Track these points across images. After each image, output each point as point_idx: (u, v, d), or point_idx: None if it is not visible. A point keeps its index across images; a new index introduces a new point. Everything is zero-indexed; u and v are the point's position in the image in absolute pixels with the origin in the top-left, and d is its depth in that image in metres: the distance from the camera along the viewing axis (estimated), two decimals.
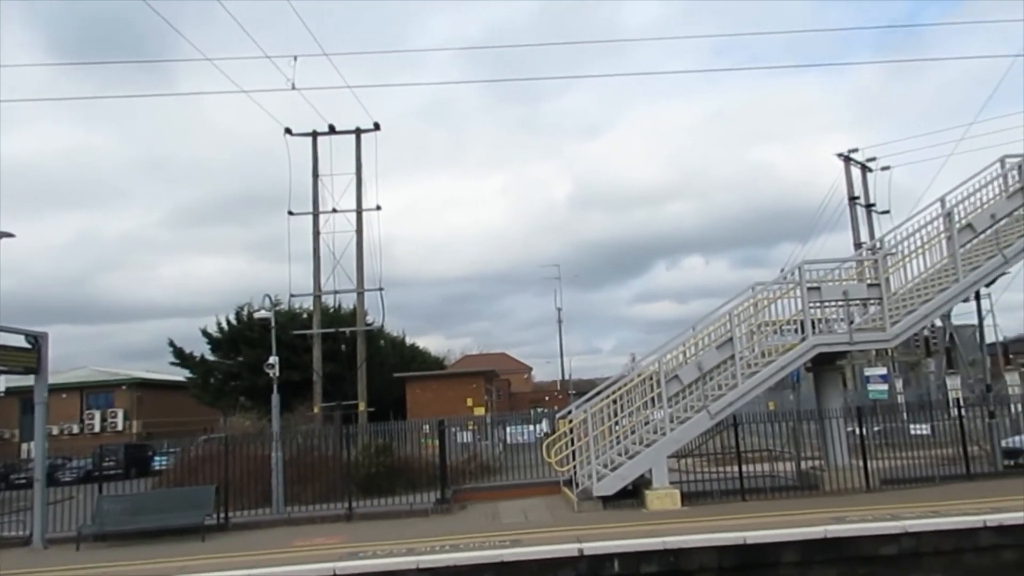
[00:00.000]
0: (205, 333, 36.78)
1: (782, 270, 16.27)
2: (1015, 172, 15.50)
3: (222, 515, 15.49)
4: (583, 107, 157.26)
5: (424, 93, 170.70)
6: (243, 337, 34.65)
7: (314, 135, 25.56)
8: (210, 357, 37.07)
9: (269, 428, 19.07)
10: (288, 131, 25.23)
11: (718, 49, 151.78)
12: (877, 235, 28.18)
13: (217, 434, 22.53)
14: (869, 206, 31.10)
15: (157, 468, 27.12)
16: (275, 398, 17.96)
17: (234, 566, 10.71)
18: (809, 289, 14.83)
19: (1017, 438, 18.18)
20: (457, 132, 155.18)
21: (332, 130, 25.50)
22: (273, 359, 18.03)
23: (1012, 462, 17.24)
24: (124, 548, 13.86)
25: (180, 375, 41.09)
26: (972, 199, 15.62)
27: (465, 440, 21.82)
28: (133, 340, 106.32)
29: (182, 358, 37.65)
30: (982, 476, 15.47)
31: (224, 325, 36.52)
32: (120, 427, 45.36)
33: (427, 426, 19.80)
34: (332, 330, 27.17)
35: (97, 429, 44.84)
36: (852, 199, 30.94)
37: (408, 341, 51.09)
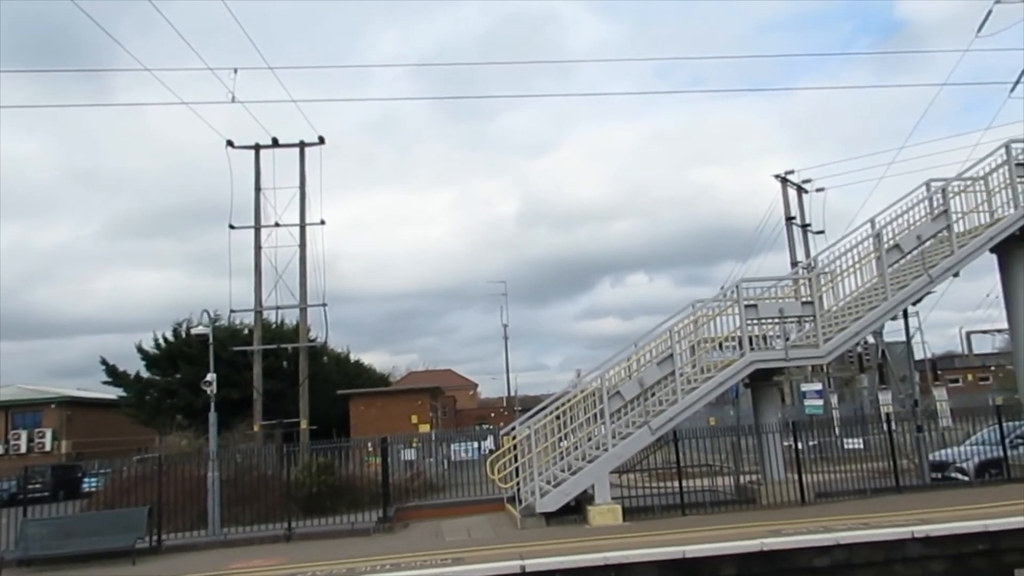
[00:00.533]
0: (140, 350, 35.75)
1: (722, 288, 16.63)
2: (939, 196, 16.17)
3: (155, 538, 15.03)
4: (530, 126, 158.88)
5: (372, 110, 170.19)
6: (181, 354, 33.78)
7: (257, 148, 25.16)
8: (145, 374, 36.00)
9: (206, 447, 18.61)
10: (230, 143, 24.78)
11: (661, 72, 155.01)
12: (812, 254, 29.04)
13: (152, 454, 21.87)
14: (805, 226, 32.05)
15: (87, 490, 26.14)
16: (212, 416, 17.55)
17: None
18: (746, 307, 15.20)
19: (944, 452, 18.87)
20: (405, 149, 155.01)
21: (275, 143, 25.14)
22: (211, 376, 17.62)
23: (939, 475, 17.86)
24: (51, 573, 13.34)
25: (114, 393, 39.81)
26: (900, 221, 16.22)
27: (409, 458, 21.65)
28: (64, 357, 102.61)
29: (115, 376, 36.48)
30: (911, 489, 15.98)
31: (161, 341, 35.56)
32: (48, 447, 43.63)
33: (371, 444, 19.58)
34: (274, 346, 26.66)
35: (23, 450, 43.07)
36: (789, 219, 31.83)
37: (353, 357, 50.58)
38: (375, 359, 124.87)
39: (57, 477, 29.54)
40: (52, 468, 31.20)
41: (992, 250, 16.41)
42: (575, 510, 14.57)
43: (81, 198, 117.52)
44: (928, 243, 16.30)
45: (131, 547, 14.06)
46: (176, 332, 35.13)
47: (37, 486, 25.29)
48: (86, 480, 28.47)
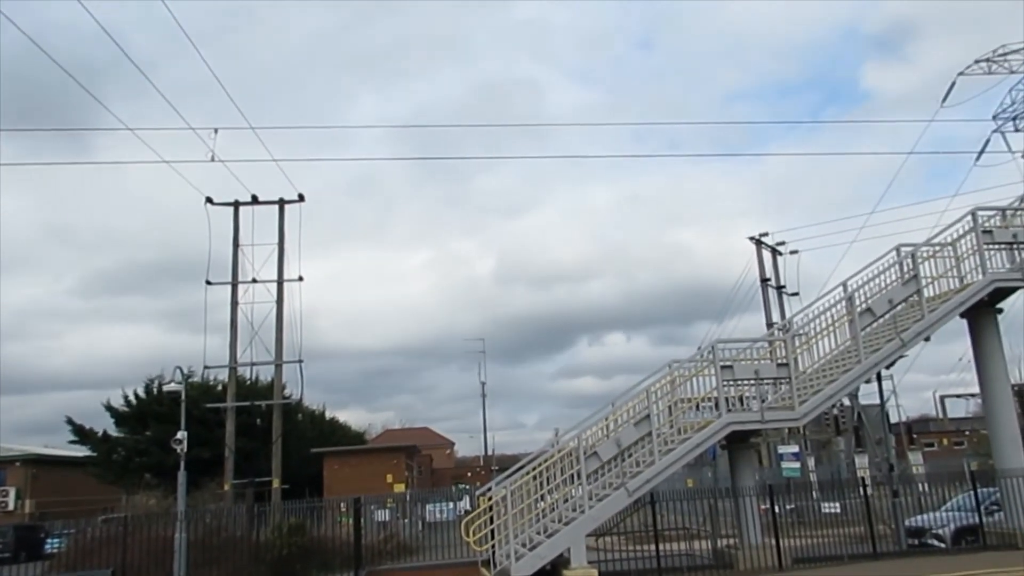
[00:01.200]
0: (109, 407, 35.01)
1: (699, 348, 16.76)
2: (909, 260, 16.54)
3: None
4: (507, 188, 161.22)
5: (351, 170, 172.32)
6: (151, 411, 33.14)
7: (236, 204, 25.29)
8: (113, 432, 35.21)
9: (174, 507, 18.18)
10: (209, 200, 24.90)
11: (636, 137, 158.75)
12: (787, 316, 29.41)
13: (118, 514, 21.30)
14: (780, 288, 32.53)
15: (50, 551, 25.29)
16: (182, 475, 17.21)
17: None
18: (723, 367, 15.29)
19: (920, 517, 18.86)
20: (383, 208, 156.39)
21: (255, 200, 25.29)
22: (181, 434, 17.35)
23: (916, 541, 17.81)
24: None
25: (82, 451, 38.85)
26: (871, 284, 16.52)
27: (383, 518, 21.26)
28: (32, 413, 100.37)
29: (81, 434, 35.64)
30: (888, 555, 15.90)
31: (132, 398, 34.90)
32: (11, 506, 42.26)
33: (344, 504, 19.23)
34: (247, 403, 26.31)
35: None
36: (764, 280, 32.31)
37: (328, 415, 49.96)
38: (351, 416, 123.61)
39: (19, 537, 28.62)
40: (14, 528, 30.26)
41: (962, 315, 16.74)
42: (550, 574, 14.32)
43: (56, 255, 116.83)
44: (899, 307, 16.58)
45: None
46: (148, 389, 34.54)
47: None
48: (49, 541, 27.56)
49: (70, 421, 35.50)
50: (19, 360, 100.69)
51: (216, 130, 20.88)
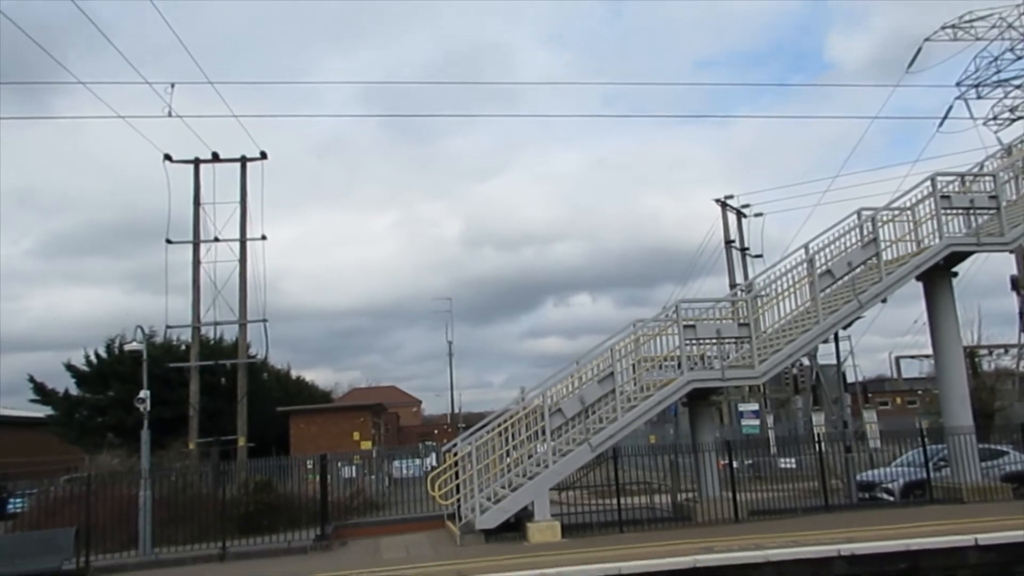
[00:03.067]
0: (69, 367, 34.47)
1: (663, 308, 16.99)
2: (869, 224, 16.85)
3: (83, 560, 14.54)
4: (476, 150, 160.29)
5: (318, 132, 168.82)
6: (113, 371, 32.69)
7: (196, 162, 24.77)
8: (75, 392, 34.74)
9: (139, 466, 18.10)
10: (168, 157, 24.35)
11: (605, 100, 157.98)
12: (750, 277, 29.85)
13: (81, 474, 21.14)
14: (743, 250, 32.95)
15: (12, 511, 25.08)
16: (145, 433, 17.09)
17: None
18: (685, 327, 15.55)
19: (871, 473, 19.52)
20: (350, 171, 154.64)
21: (216, 157, 24.79)
22: (144, 393, 17.17)
23: (867, 495, 18.47)
24: None
25: (42, 412, 38.30)
26: (832, 247, 16.84)
27: (350, 475, 21.40)
28: None
29: (43, 394, 35.09)
30: (839, 508, 16.44)
31: (93, 358, 34.39)
32: None
33: (310, 461, 19.31)
34: (211, 363, 26.10)
35: None
36: (728, 242, 32.71)
37: (294, 374, 49.71)
38: (317, 376, 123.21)
39: None
40: None
41: (918, 278, 17.15)
42: (515, 527, 14.63)
43: (15, 216, 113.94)
44: (858, 270, 16.95)
45: (57, 569, 13.63)
46: (109, 349, 34.02)
47: None
48: (11, 501, 27.32)
49: (31, 379, 34.93)
50: None
51: (173, 85, 20.38)
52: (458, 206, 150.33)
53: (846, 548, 11.13)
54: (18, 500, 25.45)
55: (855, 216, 17.07)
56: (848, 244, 16.93)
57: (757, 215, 33.68)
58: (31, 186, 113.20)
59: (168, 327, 25.89)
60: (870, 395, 37.14)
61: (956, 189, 17.30)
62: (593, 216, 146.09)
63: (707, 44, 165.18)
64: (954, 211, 17.18)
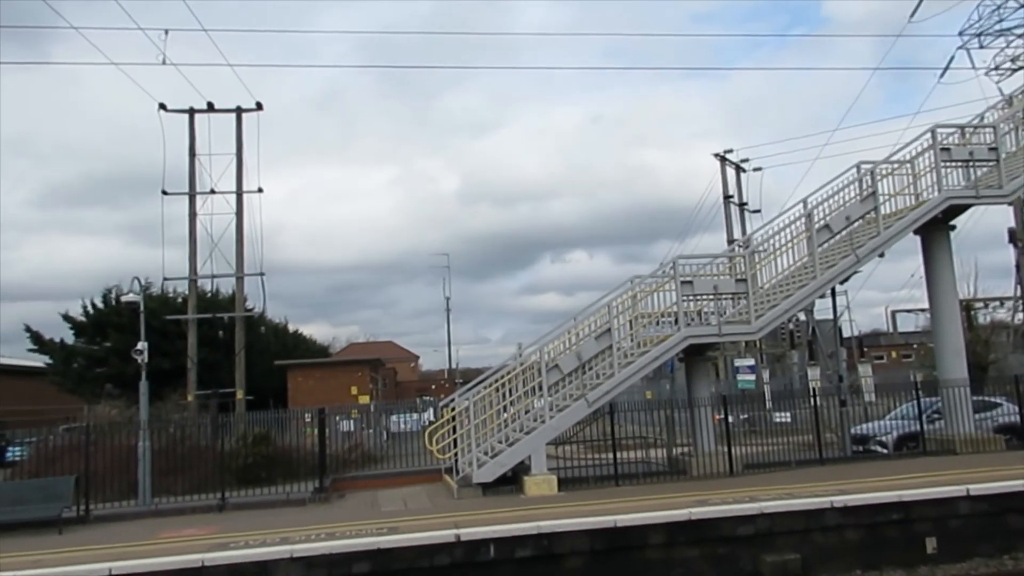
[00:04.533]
0: (67, 317, 34.53)
1: (660, 264, 16.92)
2: (868, 178, 16.69)
3: (82, 507, 14.70)
4: (473, 106, 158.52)
5: (314, 86, 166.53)
6: (110, 322, 32.76)
7: (191, 112, 24.45)
8: (72, 342, 34.83)
9: (137, 417, 18.18)
10: (163, 107, 24.02)
11: (605, 54, 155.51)
12: (748, 233, 29.72)
13: (79, 423, 21.25)
14: (742, 205, 32.74)
15: (11, 459, 25.29)
16: (143, 385, 17.11)
17: (93, 559, 10.20)
18: (683, 283, 15.50)
19: (865, 426, 19.70)
20: (348, 125, 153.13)
21: (211, 108, 24.47)
22: (142, 344, 17.14)
23: (860, 448, 18.66)
24: None
25: (40, 361, 38.44)
26: (831, 202, 16.71)
27: (348, 429, 21.54)
28: None
29: (40, 343, 35.21)
30: (833, 461, 16.62)
31: (89, 309, 34.42)
32: None
33: (308, 414, 19.41)
34: (209, 315, 26.12)
35: None
36: (727, 197, 32.49)
37: (292, 328, 49.87)
38: (315, 331, 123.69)
39: None
40: None
41: (916, 232, 17.08)
42: (511, 481, 14.78)
43: (13, 165, 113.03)
44: (856, 224, 16.84)
45: (57, 516, 13.75)
46: (106, 299, 34.04)
47: None
48: (10, 449, 27.54)
49: (28, 329, 35.00)
50: None
51: (167, 32, 20.06)
52: (455, 161, 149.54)
53: (839, 500, 11.24)
54: (17, 448, 25.62)
55: (854, 170, 16.92)
56: (847, 198, 16.80)
57: (756, 170, 33.43)
58: (28, 134, 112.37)
59: (165, 279, 25.91)
60: (865, 349, 37.31)
61: (956, 141, 17.11)
62: (590, 172, 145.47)
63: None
64: (953, 164, 17.04)
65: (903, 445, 18.26)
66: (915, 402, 17.62)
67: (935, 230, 17.20)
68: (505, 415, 15.20)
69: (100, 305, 34.22)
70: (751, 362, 27.75)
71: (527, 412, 15.31)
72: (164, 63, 19.96)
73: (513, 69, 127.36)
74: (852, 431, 18.63)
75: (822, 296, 17.10)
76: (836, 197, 16.73)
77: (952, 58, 33.19)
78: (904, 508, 11.25)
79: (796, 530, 11.00)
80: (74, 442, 16.85)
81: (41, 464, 17.66)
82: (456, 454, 15.01)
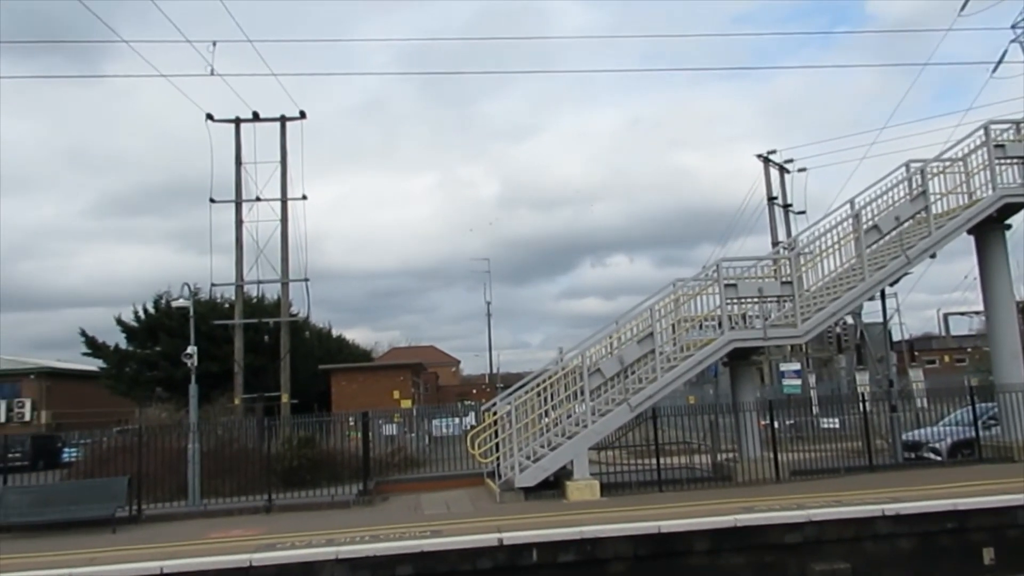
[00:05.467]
0: (120, 322, 35.42)
1: (703, 267, 16.73)
2: (918, 176, 16.29)
3: (135, 507, 15.06)
4: (513, 111, 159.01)
5: (357, 94, 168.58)
6: (161, 326, 33.52)
7: (237, 121, 24.90)
8: (125, 346, 35.73)
9: (186, 420, 18.57)
10: (210, 117, 24.52)
11: (644, 58, 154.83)
12: (793, 234, 29.20)
13: (131, 426, 21.79)
14: (786, 206, 32.20)
15: (67, 460, 26.03)
16: (193, 388, 17.49)
17: (145, 558, 10.44)
18: (726, 286, 15.30)
19: (917, 432, 19.18)
20: (390, 132, 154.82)
21: (256, 117, 24.89)
22: (191, 349, 17.52)
23: (912, 455, 18.17)
24: (30, 540, 13.31)
25: (94, 365, 39.52)
26: (879, 202, 16.36)
27: (390, 433, 21.70)
28: (46, 329, 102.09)
29: (94, 347, 36.16)
30: (884, 468, 16.23)
31: (141, 314, 35.27)
32: (28, 417, 43.33)
33: (352, 418, 19.60)
34: (255, 320, 26.55)
35: (3, 419, 42.74)
36: (771, 199, 31.99)
37: (335, 333, 50.35)
38: (357, 335, 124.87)
39: (37, 447, 29.36)
40: (32, 438, 31.01)
41: (969, 231, 16.62)
42: (553, 485, 14.72)
43: (70, 177, 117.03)
44: (906, 224, 16.46)
45: (111, 516, 14.09)
46: (156, 304, 34.84)
47: (17, 455, 25.12)
48: (66, 450, 28.35)
49: (83, 334, 35.97)
50: (34, 277, 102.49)
51: (215, 43, 20.49)
52: (495, 167, 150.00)
53: (890, 508, 10.97)
54: (72, 450, 26.36)
55: (903, 169, 16.56)
56: (896, 198, 16.45)
57: (801, 170, 32.83)
58: (85, 146, 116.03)
59: (213, 285, 26.38)
60: (916, 353, 36.37)
61: (1011, 137, 16.61)
62: (630, 175, 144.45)
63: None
64: (1008, 160, 16.54)
65: (957, 452, 17.72)
66: (970, 407, 17.10)
67: (989, 230, 16.71)
68: (546, 419, 15.17)
69: (151, 310, 35.03)
70: (797, 366, 27.23)
71: (569, 416, 15.25)
72: (212, 74, 20.40)
73: (551, 73, 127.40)
74: (904, 437, 18.15)
75: (871, 299, 16.74)
76: (884, 197, 16.39)
77: (1005, 52, 32.30)
78: (960, 517, 10.93)
79: (846, 538, 10.77)
80: (127, 444, 17.27)
81: (95, 465, 18.12)
82: (498, 458, 15.02)
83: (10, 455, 20.65)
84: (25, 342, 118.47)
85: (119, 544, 12.09)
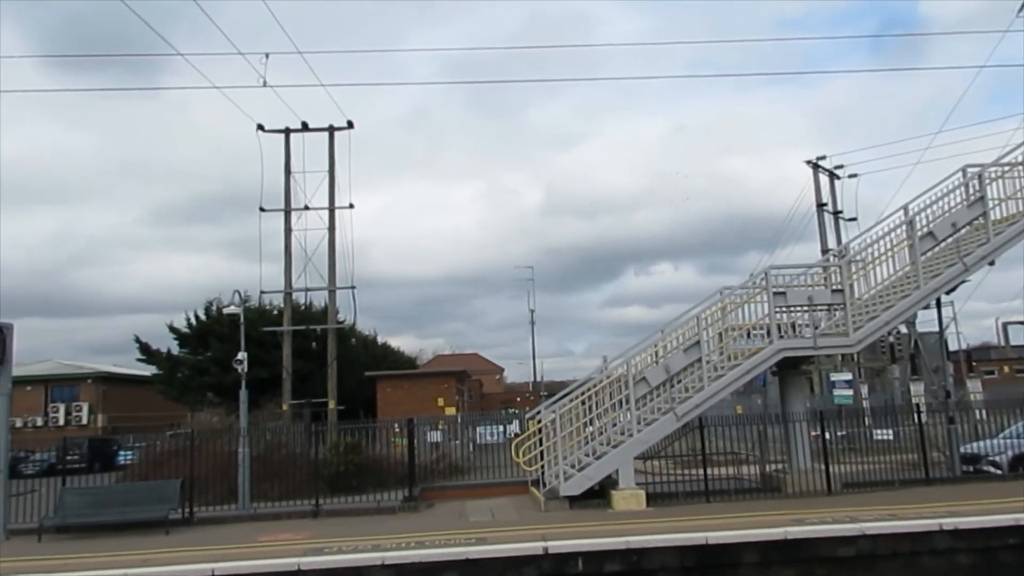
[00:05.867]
0: (172, 328, 36.34)
1: (751, 275, 16.49)
2: (976, 181, 15.83)
3: (187, 510, 15.37)
4: (558, 120, 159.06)
5: (404, 104, 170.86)
6: (212, 332, 34.30)
7: (287, 132, 25.39)
8: (177, 352, 36.62)
9: (236, 424, 18.93)
10: (260, 127, 25.05)
11: (690, 62, 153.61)
12: (844, 242, 28.60)
13: (183, 430, 22.29)
14: (836, 213, 31.54)
15: (122, 463, 26.76)
16: (243, 394, 17.83)
17: (198, 560, 10.64)
18: (775, 294, 15.05)
19: (976, 444, 18.56)
20: (435, 141, 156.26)
21: (305, 127, 25.35)
22: (242, 355, 17.88)
23: (971, 468, 17.59)
24: (86, 540, 13.70)
25: (147, 370, 40.60)
26: (934, 208, 15.92)
27: (435, 440, 21.81)
28: (103, 335, 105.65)
29: (148, 353, 37.16)
30: (941, 481, 15.76)
31: (193, 320, 36.13)
32: (85, 421, 44.72)
33: (397, 425, 19.76)
34: (303, 327, 26.97)
35: (61, 422, 44.17)
36: (820, 205, 31.37)
37: (380, 340, 51.00)
38: (402, 343, 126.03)
39: (93, 449, 30.27)
40: (89, 441, 31.99)
41: None
42: (599, 494, 14.61)
43: (126, 187, 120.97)
44: (963, 231, 16.00)
45: (164, 518, 14.41)
46: (207, 311, 35.67)
47: (74, 458, 25.92)
48: (121, 453, 29.16)
49: (137, 340, 37.01)
50: (93, 284, 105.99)
51: (267, 55, 20.95)
52: (539, 175, 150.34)
53: (948, 522, 10.65)
54: (127, 453, 27.10)
55: (960, 174, 16.08)
56: (952, 204, 15.99)
57: (852, 176, 32.11)
58: (142, 158, 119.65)
59: (262, 292, 26.86)
60: (974, 363, 35.28)
61: None
62: (675, 183, 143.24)
63: (791, 5, 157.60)
64: None
65: (1019, 465, 17.10)
66: None
67: None
68: (591, 428, 15.08)
69: (203, 317, 35.87)
70: (848, 376, 26.62)
71: (614, 425, 15.14)
72: (264, 85, 20.85)
73: (595, 80, 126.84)
74: (962, 450, 17.60)
75: (926, 307, 16.26)
76: (940, 203, 15.95)
77: None
78: (1022, 532, 10.53)
79: (901, 553, 10.48)
80: (179, 447, 17.67)
81: (149, 468, 18.61)
82: (542, 466, 14.97)
83: (68, 457, 21.32)
84: (84, 347, 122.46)
85: (172, 546, 12.36)
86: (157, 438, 21.09)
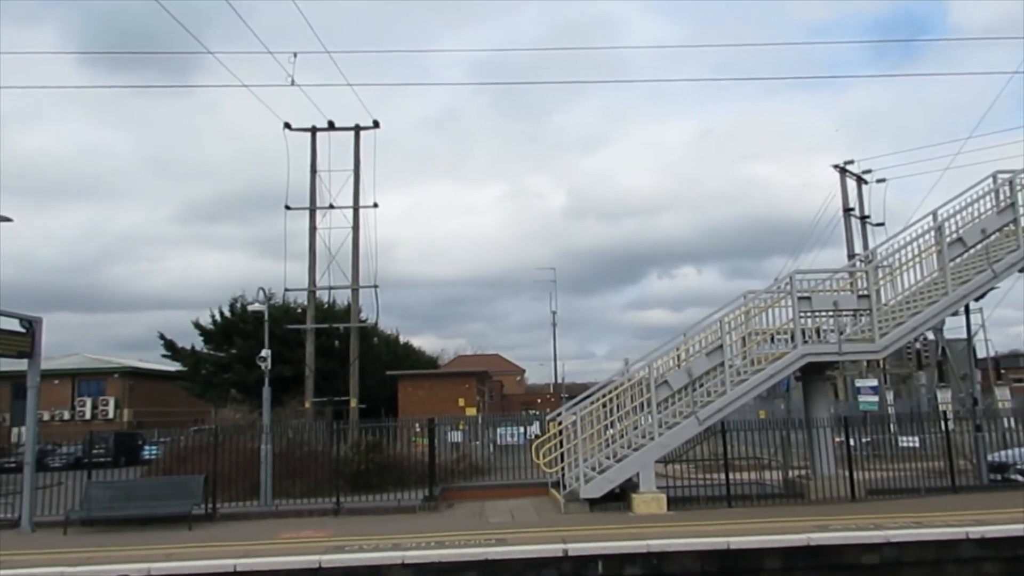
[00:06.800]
0: (197, 325, 36.73)
1: (775, 279, 16.36)
2: (1006, 188, 15.59)
3: (210, 505, 15.52)
4: (583, 123, 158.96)
5: (430, 106, 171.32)
6: (236, 329, 34.61)
7: (313, 130, 25.58)
8: (201, 349, 36.99)
9: (259, 421, 19.08)
10: (287, 126, 25.26)
11: (717, 66, 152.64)
12: (871, 247, 28.28)
13: (207, 426, 22.52)
14: (864, 218, 31.19)
15: (147, 457, 27.07)
16: (266, 391, 17.97)
17: (220, 555, 10.75)
18: (800, 299, 14.92)
19: (1004, 452, 18.27)
20: (461, 143, 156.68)
21: (331, 126, 25.53)
22: (265, 352, 18.01)
23: (999, 476, 17.32)
24: (111, 534, 13.88)
25: (173, 366, 41.07)
26: (963, 213, 15.72)
27: (456, 440, 21.84)
28: (130, 330, 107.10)
29: (172, 350, 37.57)
30: (967, 489, 15.55)
31: (217, 317, 36.48)
32: (111, 415, 45.29)
33: (418, 424, 19.82)
34: (326, 325, 27.16)
35: (88, 416, 44.76)
36: (847, 210, 31.04)
37: (402, 340, 51.12)
38: (424, 342, 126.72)
39: (119, 444, 30.63)
40: (115, 435, 32.39)
41: None
42: (619, 497, 14.57)
43: (156, 184, 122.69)
44: (993, 237, 15.77)
45: (188, 513, 14.56)
46: (232, 308, 35.99)
47: (100, 451, 26.23)
48: (146, 448, 29.50)
49: (162, 336, 37.45)
50: (123, 280, 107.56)
51: (295, 54, 21.16)
52: (563, 178, 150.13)
53: (975, 531, 10.50)
54: (152, 447, 27.42)
55: (990, 180, 15.86)
56: (982, 210, 15.77)
57: (880, 181, 31.71)
58: (172, 156, 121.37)
59: (286, 290, 27.05)
60: (1003, 371, 34.75)
61: None
62: (699, 186, 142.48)
63: (820, 10, 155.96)
64: None
65: None
66: None
67: None
68: (612, 431, 15.04)
69: (227, 314, 36.21)
70: (874, 382, 26.22)
71: (635, 428, 15.08)
72: (292, 84, 21.04)
73: (621, 83, 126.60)
74: (989, 458, 17.33)
75: (954, 314, 16.04)
76: (969, 209, 15.74)
77: None
78: None
79: (926, 561, 10.35)
80: (203, 443, 17.83)
81: (174, 463, 18.79)
82: (562, 468, 14.94)
83: (94, 451, 21.59)
84: (112, 342, 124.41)
85: (195, 541, 12.50)
86: (181, 434, 21.29)
